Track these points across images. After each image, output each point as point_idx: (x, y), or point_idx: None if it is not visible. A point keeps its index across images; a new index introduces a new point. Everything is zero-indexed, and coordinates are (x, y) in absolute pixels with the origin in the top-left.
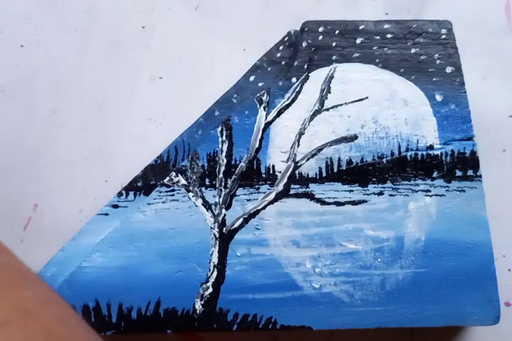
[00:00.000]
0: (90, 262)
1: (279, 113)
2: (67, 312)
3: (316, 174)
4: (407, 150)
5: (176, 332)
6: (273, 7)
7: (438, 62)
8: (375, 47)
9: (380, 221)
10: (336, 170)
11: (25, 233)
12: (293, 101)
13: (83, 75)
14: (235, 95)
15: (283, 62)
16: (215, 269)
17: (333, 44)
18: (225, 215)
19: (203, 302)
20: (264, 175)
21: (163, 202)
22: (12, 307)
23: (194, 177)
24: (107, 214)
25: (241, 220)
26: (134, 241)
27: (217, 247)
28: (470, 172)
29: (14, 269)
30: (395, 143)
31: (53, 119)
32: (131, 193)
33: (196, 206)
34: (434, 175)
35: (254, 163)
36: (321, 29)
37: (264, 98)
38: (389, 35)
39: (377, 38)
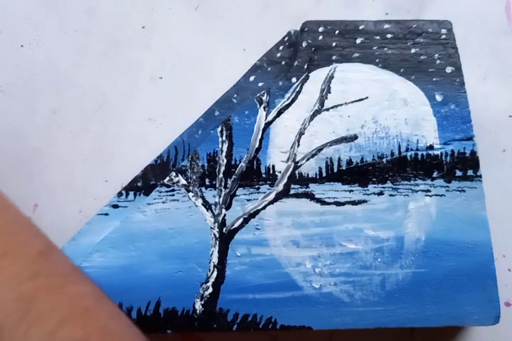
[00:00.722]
0: (90, 262)
1: (279, 113)
2: (118, 310)
3: (316, 174)
4: (407, 150)
5: (176, 332)
6: (273, 7)
7: (438, 62)
8: (375, 47)
9: (380, 221)
10: (336, 170)
11: None
12: (293, 101)
13: (83, 75)
14: (235, 95)
15: (283, 62)
16: (215, 269)
17: (333, 44)
18: (225, 215)
19: (203, 302)
20: (264, 175)
21: (163, 202)
22: (72, 303)
23: (194, 177)
24: (107, 214)
25: (241, 220)
26: (134, 241)
27: (217, 247)
28: (470, 172)
29: (68, 265)
30: (395, 143)
31: (53, 119)
32: (131, 193)
33: (196, 206)
34: (434, 175)
35: (254, 163)
36: (321, 29)
37: (264, 98)
38: (389, 35)
39: (377, 38)
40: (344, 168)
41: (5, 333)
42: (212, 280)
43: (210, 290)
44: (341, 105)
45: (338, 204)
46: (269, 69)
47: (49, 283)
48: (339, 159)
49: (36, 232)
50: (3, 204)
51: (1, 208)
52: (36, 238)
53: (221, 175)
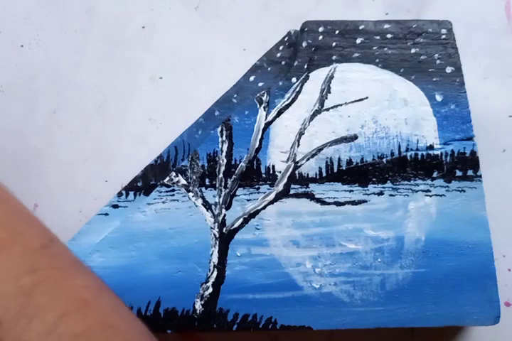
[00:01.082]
0: (90, 262)
1: (279, 113)
2: (120, 302)
3: (316, 174)
4: (407, 150)
5: (176, 332)
6: (273, 7)
7: (438, 62)
8: (375, 47)
9: (380, 221)
10: (336, 170)
11: None
12: (293, 101)
13: (83, 75)
14: (235, 95)
15: (283, 62)
16: (215, 269)
17: (333, 44)
18: (225, 215)
19: (203, 302)
20: (264, 175)
21: (163, 202)
22: (71, 297)
23: (194, 177)
24: (107, 214)
25: (241, 220)
26: (134, 241)
27: (217, 247)
28: (470, 172)
29: (69, 258)
30: (395, 143)
31: (53, 119)
32: (131, 193)
33: (196, 206)
34: (434, 175)
35: (254, 163)
36: (321, 29)
37: (264, 98)
38: (389, 35)
39: (377, 38)
40: (344, 168)
41: (4, 328)
42: (212, 280)
43: (210, 290)
44: (341, 105)
45: (338, 204)
46: (269, 69)
47: (48, 277)
48: (339, 159)
49: (37, 224)
50: (3, 196)
51: (1, 201)
52: (36, 230)
53: (221, 175)
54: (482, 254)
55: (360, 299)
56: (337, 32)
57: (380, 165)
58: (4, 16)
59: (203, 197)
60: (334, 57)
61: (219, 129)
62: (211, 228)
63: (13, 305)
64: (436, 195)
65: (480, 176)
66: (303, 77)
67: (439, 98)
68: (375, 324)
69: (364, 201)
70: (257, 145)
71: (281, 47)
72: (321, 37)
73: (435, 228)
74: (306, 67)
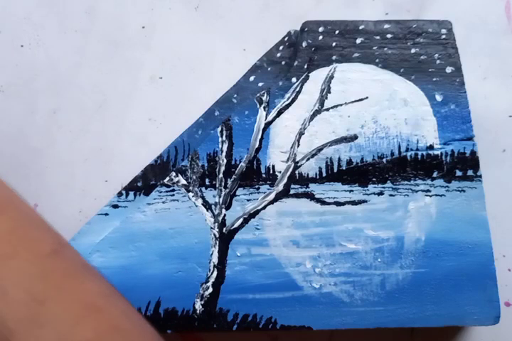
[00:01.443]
0: (90, 262)
1: (279, 113)
2: (129, 306)
3: (316, 174)
4: (407, 150)
5: (176, 332)
6: (273, 7)
7: (438, 62)
8: (375, 47)
9: (380, 221)
10: (336, 170)
11: None
12: (293, 101)
13: (83, 75)
14: (235, 95)
15: (283, 62)
16: (215, 269)
17: (333, 44)
18: (225, 215)
19: (203, 302)
20: (264, 175)
21: (163, 202)
22: (83, 303)
23: (194, 177)
24: (107, 214)
25: (241, 220)
26: (134, 241)
27: (217, 247)
28: (470, 172)
29: (78, 262)
30: (395, 143)
31: (53, 119)
32: (131, 193)
33: (196, 206)
34: (434, 175)
35: (254, 163)
36: (321, 29)
37: (264, 98)
38: (389, 35)
39: (377, 38)
40: (344, 168)
41: (16, 337)
42: (212, 280)
43: (210, 290)
44: (341, 105)
45: (338, 204)
46: (269, 69)
47: (60, 283)
48: (339, 159)
49: (47, 229)
50: (14, 201)
51: (11, 206)
52: (47, 236)
53: (221, 175)
54: (482, 254)
55: (360, 299)
56: (337, 32)
57: (380, 165)
58: (4, 16)
59: (203, 197)
60: (334, 57)
61: (219, 129)
62: (211, 228)
63: (25, 315)
64: (436, 195)
65: (480, 176)
66: (303, 77)
67: (439, 98)
68: (375, 324)
69: (364, 201)
70: (257, 145)
71: (281, 47)
72: (321, 37)
73: (435, 228)
74: (306, 67)
